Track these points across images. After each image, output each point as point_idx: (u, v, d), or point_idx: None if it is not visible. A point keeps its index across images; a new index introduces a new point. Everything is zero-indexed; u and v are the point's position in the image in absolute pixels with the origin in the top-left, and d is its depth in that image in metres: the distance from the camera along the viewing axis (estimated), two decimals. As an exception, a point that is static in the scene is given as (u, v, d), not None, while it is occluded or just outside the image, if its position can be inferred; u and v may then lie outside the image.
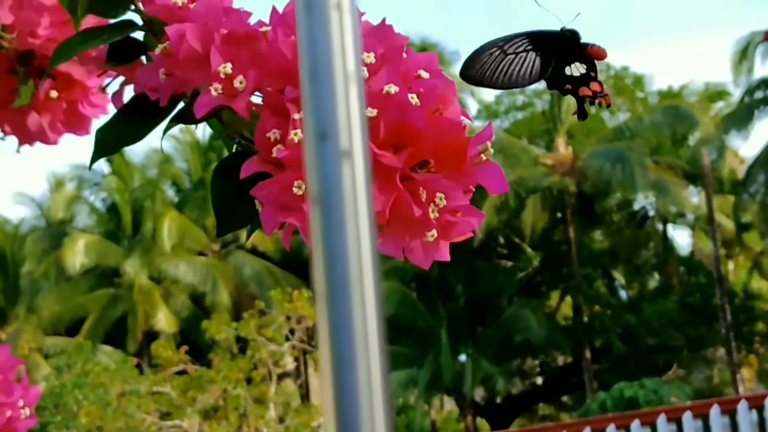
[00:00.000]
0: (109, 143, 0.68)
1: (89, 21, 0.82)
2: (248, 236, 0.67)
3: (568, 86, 0.64)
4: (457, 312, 13.90)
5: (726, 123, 13.80)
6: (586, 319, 14.35)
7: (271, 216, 0.58)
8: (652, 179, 13.35)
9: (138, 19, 0.71)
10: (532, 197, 13.75)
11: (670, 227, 15.45)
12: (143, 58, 0.71)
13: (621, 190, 13.76)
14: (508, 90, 0.68)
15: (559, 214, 14.40)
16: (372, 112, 0.57)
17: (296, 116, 0.57)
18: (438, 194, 0.58)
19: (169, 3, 0.66)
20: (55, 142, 1.06)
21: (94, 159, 0.69)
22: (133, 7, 0.71)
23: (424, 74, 0.61)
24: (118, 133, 0.68)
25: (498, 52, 0.67)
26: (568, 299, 14.76)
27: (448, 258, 0.61)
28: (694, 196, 15.15)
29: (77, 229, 15.13)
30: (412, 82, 0.60)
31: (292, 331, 9.71)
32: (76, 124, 1.05)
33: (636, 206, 15.26)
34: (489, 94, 16.55)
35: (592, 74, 0.64)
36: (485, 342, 13.82)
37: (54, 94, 1.00)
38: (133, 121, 0.68)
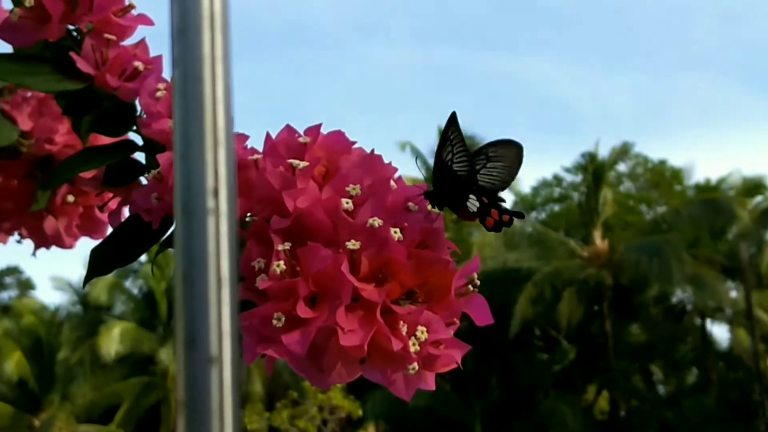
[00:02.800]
0: (103, 264, 0.69)
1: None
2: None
3: (474, 218, 0.65)
4: (492, 405, 13.73)
5: (765, 217, 13.71)
6: (623, 413, 14.14)
7: (251, 347, 0.58)
8: (689, 273, 13.22)
9: (139, 140, 0.72)
10: (568, 289, 13.65)
11: (708, 322, 15.25)
12: (142, 178, 0.72)
13: (658, 283, 13.63)
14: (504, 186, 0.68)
15: (595, 307, 14.28)
16: (355, 244, 0.57)
17: (280, 247, 0.58)
18: (419, 327, 0.57)
19: (164, 127, 0.67)
20: (70, 247, 1.07)
21: (87, 279, 0.69)
22: (135, 127, 0.72)
23: (413, 207, 0.62)
24: (112, 253, 0.69)
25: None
26: (605, 393, 14.56)
27: (433, 387, 0.61)
28: (733, 291, 14.98)
29: (113, 317, 15.19)
30: (399, 214, 0.61)
31: (324, 422, 9.66)
32: (92, 228, 1.06)
33: (673, 300, 15.11)
34: (525, 185, 16.57)
35: (485, 200, 0.65)
36: (521, 436, 13.65)
37: (71, 198, 1.02)
38: (127, 241, 0.68)
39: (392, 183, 0.62)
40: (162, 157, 0.63)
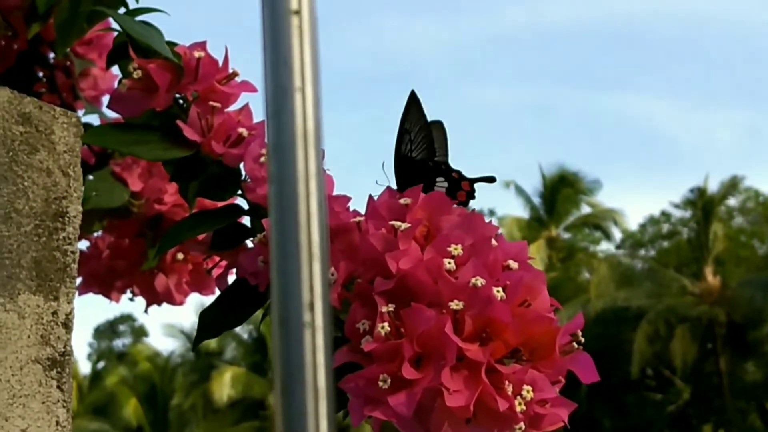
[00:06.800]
0: (211, 327, 0.70)
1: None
2: (344, 418, 0.68)
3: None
4: (605, 447, 13.52)
5: None
6: (741, 454, 13.77)
7: (357, 408, 0.58)
8: (806, 309, 12.87)
9: (245, 203, 0.74)
10: (680, 327, 13.39)
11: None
12: (248, 241, 0.74)
13: (774, 320, 13.30)
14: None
15: (709, 345, 13.97)
16: (458, 304, 0.58)
17: (384, 309, 0.58)
18: (525, 386, 0.58)
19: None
20: (181, 303, 1.09)
21: (197, 342, 0.71)
22: (240, 191, 0.74)
23: (513, 265, 0.62)
24: (220, 316, 0.70)
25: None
26: (722, 433, 14.22)
27: (537, 445, 0.61)
28: None
29: (224, 362, 15.37)
30: (500, 273, 0.61)
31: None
32: (202, 284, 1.08)
33: (790, 336, 14.70)
34: (633, 223, 16.36)
35: (455, 175, 0.67)
36: (636, 478, 13.39)
37: (180, 256, 1.04)
38: (234, 305, 0.69)
39: (493, 241, 0.63)
40: (267, 221, 0.65)
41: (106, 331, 20.52)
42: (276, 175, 0.28)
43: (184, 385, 15.45)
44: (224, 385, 14.09)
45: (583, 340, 0.61)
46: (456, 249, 0.60)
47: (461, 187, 0.68)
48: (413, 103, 0.68)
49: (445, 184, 0.69)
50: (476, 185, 0.69)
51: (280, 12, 0.27)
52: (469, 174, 0.69)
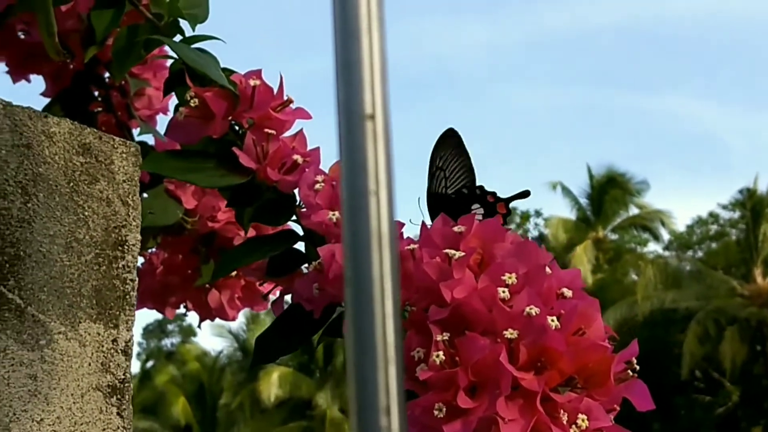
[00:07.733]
0: (267, 352, 0.71)
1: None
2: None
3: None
4: (654, 450, 13.42)
5: None
6: (791, 456, 13.61)
7: (414, 437, 0.59)
8: None
9: (299, 229, 0.74)
10: (729, 329, 13.27)
11: None
12: (303, 267, 0.74)
13: (824, 322, 13.14)
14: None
15: (758, 347, 13.83)
16: (513, 333, 0.58)
17: (438, 338, 0.59)
18: (580, 415, 0.58)
19: (324, 219, 0.69)
20: (233, 318, 1.11)
21: (253, 366, 0.72)
22: (295, 216, 0.75)
23: (567, 292, 0.62)
24: (275, 341, 0.71)
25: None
26: (772, 436, 14.06)
27: (595, 474, 0.61)
28: None
29: (271, 362, 15.44)
30: (554, 301, 0.61)
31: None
32: (254, 300, 1.09)
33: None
34: (681, 225, 16.21)
35: (491, 199, 0.68)
36: (684, 481, 13.28)
37: (233, 272, 1.05)
38: (289, 330, 0.70)
39: (547, 269, 0.63)
40: (323, 250, 0.65)
41: (155, 330, 20.68)
42: (352, 277, 0.28)
43: (232, 385, 15.53)
44: (272, 385, 14.15)
45: (638, 367, 0.61)
46: (510, 278, 0.60)
47: (497, 210, 0.68)
48: (449, 138, 0.68)
49: (482, 211, 0.69)
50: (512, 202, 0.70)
51: (354, 117, 0.28)
52: (500, 189, 0.71)
